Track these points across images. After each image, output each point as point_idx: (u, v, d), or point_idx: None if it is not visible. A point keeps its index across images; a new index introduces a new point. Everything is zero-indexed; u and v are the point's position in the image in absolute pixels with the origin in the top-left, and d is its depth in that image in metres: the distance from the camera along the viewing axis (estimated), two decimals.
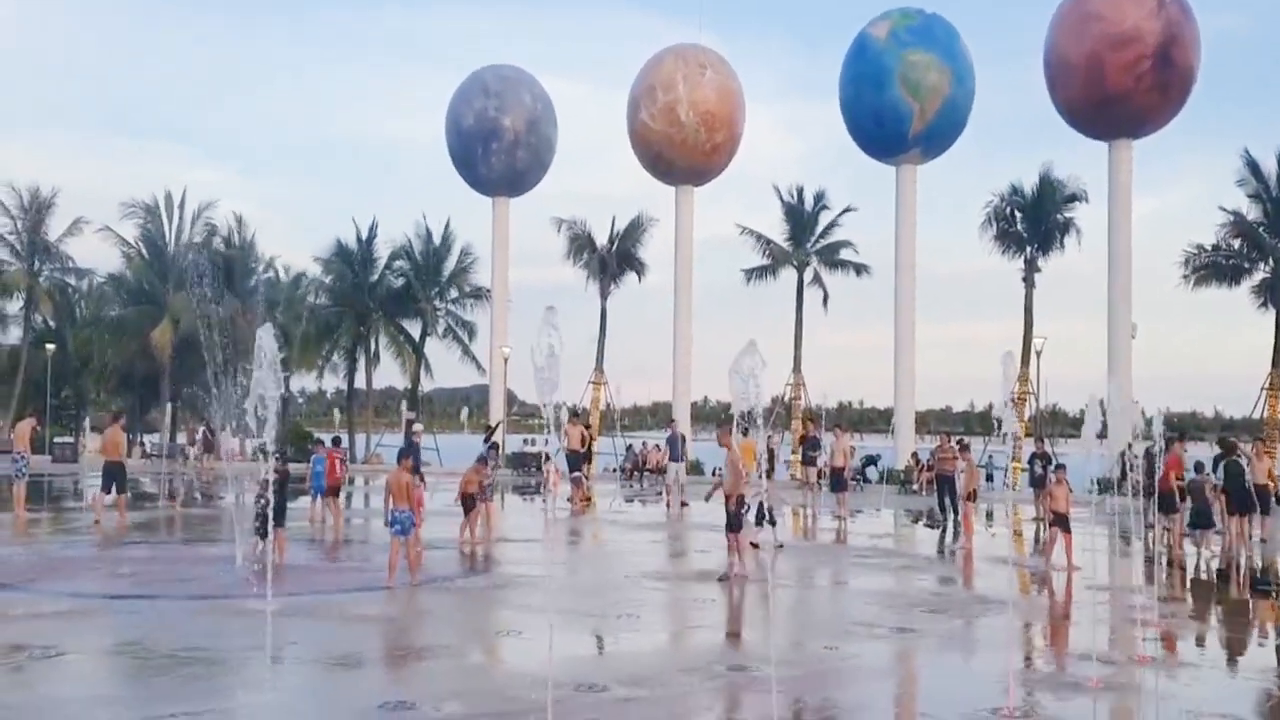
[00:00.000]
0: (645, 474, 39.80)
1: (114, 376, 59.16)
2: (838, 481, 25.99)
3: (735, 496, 15.53)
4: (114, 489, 21.42)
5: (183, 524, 22.06)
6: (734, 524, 15.41)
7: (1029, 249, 45.01)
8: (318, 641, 10.85)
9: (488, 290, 53.69)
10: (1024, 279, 45.29)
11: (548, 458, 29.68)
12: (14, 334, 58.40)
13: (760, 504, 18.03)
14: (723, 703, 8.89)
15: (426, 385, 60.39)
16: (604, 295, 51.73)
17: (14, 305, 57.31)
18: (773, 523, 18.82)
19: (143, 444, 54.36)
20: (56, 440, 51.20)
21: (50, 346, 54.53)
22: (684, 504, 27.22)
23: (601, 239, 51.51)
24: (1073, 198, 44.36)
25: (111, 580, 14.31)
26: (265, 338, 8.99)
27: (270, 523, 11.66)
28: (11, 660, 9.92)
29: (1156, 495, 18.94)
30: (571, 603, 13.59)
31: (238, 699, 8.84)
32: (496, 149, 49.04)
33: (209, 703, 8.50)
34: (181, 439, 49.60)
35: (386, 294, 56.71)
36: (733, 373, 7.51)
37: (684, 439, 31.24)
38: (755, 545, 18.04)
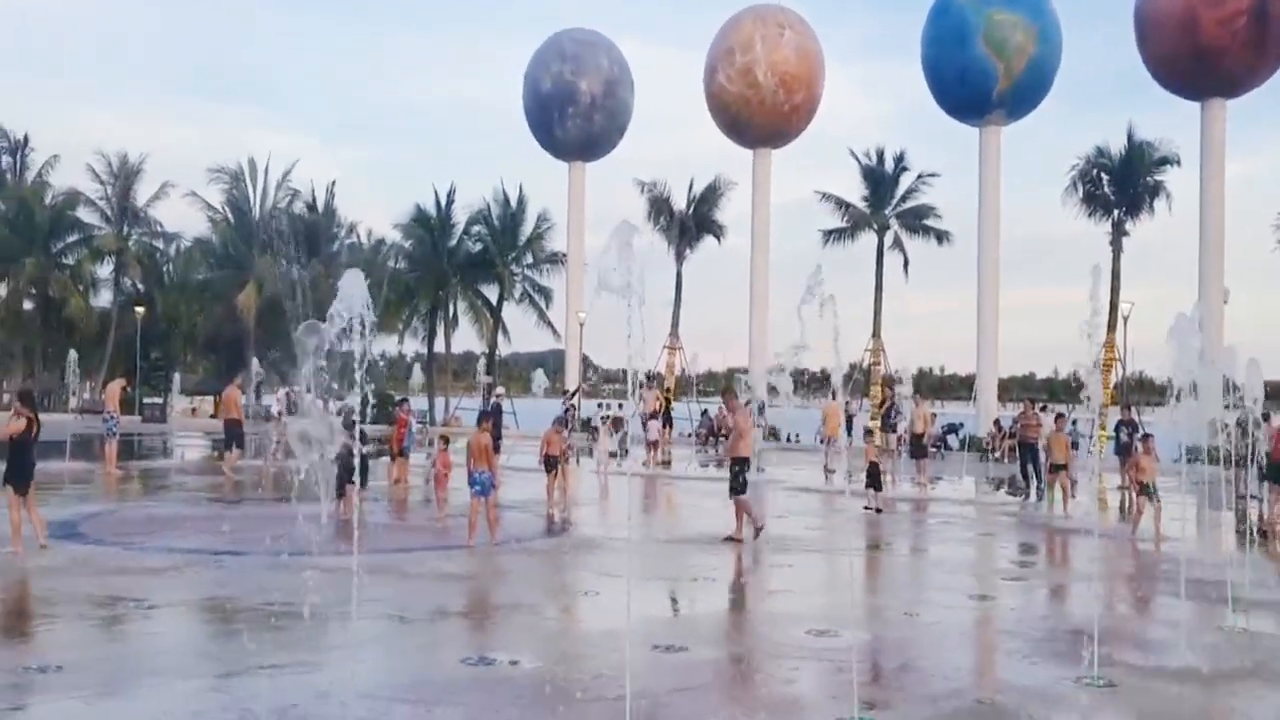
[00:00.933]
0: (721, 439, 39.73)
1: (201, 339, 60.52)
2: (917, 448, 25.74)
3: (738, 460, 15.63)
4: (233, 445, 23.27)
5: (271, 483, 22.48)
6: (737, 487, 15.46)
7: (1116, 212, 44.01)
8: (400, 598, 11.00)
9: (563, 255, 53.86)
10: (1111, 243, 44.34)
11: (608, 419, 29.78)
12: (105, 297, 60.04)
13: (873, 466, 19.83)
14: (801, 667, 8.84)
15: (503, 349, 60.90)
16: (680, 259, 51.64)
17: (105, 269, 58.90)
18: (879, 487, 19.72)
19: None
20: (146, 401, 52.50)
21: (139, 309, 55.91)
22: (760, 469, 27.29)
23: (679, 203, 51.37)
24: (1164, 160, 43.26)
25: (200, 536, 14.63)
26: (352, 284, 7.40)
27: (348, 482, 11.89)
28: (108, 611, 10.20)
29: (1267, 465, 18.28)
30: (648, 565, 13.63)
31: (321, 652, 9.00)
32: (573, 113, 48.95)
33: (294, 655, 8.67)
34: (269, 401, 50.42)
35: (464, 259, 57.16)
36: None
37: (762, 406, 31.44)
38: (869, 508, 19.20)
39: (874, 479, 19.71)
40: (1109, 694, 7.92)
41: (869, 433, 26.22)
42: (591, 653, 9.12)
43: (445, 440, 20.88)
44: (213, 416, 49.24)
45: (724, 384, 35.15)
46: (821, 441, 32.28)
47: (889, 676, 8.57)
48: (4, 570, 11.86)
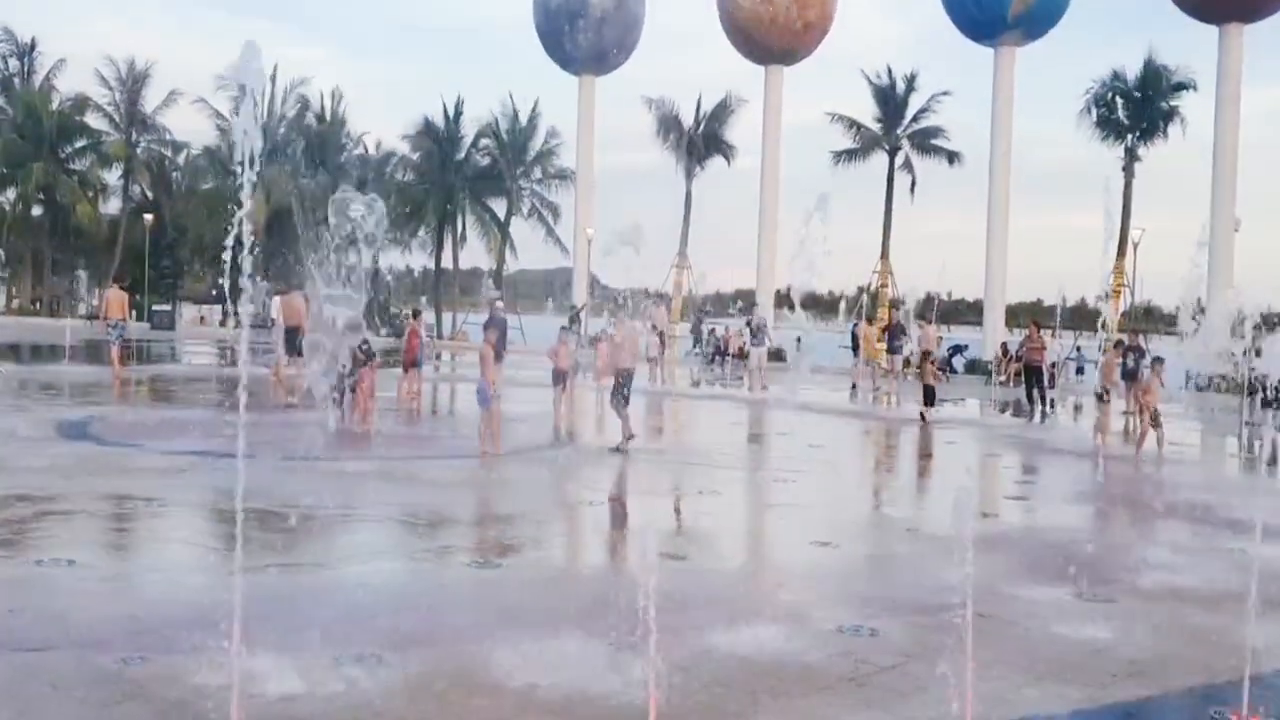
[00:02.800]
0: (726, 358, 39.79)
1: (210, 248, 60.45)
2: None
3: (620, 372, 15.84)
4: (290, 353, 22.70)
5: (279, 390, 22.57)
6: (618, 398, 15.66)
7: (1129, 137, 43.53)
8: (406, 503, 11.12)
9: (572, 172, 53.53)
10: (1123, 168, 43.92)
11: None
12: (114, 205, 59.87)
13: (929, 389, 21.92)
14: (800, 577, 8.96)
15: (511, 266, 60.79)
16: (689, 177, 51.32)
17: (113, 175, 58.67)
18: (930, 403, 21.62)
19: (236, 314, 55.63)
20: (155, 308, 52.66)
21: (148, 217, 55.78)
22: (764, 387, 27.58)
23: (688, 120, 50.90)
24: (1180, 86, 42.68)
25: (207, 440, 14.72)
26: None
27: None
28: (119, 508, 10.34)
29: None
30: (654, 477, 13.76)
31: (329, 552, 9.14)
32: (583, 25, 48.31)
33: (301, 555, 8.80)
34: (273, 311, 50.46)
35: (473, 172, 56.83)
36: None
37: (766, 325, 31.54)
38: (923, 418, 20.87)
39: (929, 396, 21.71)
40: (1107, 608, 8.03)
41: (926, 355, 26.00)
42: (593, 559, 9.25)
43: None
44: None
45: (618, 297, 35.60)
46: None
47: (889, 588, 8.68)
48: (11, 470, 11.97)
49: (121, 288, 27.31)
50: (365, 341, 16.24)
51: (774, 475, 13.99)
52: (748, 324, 31.21)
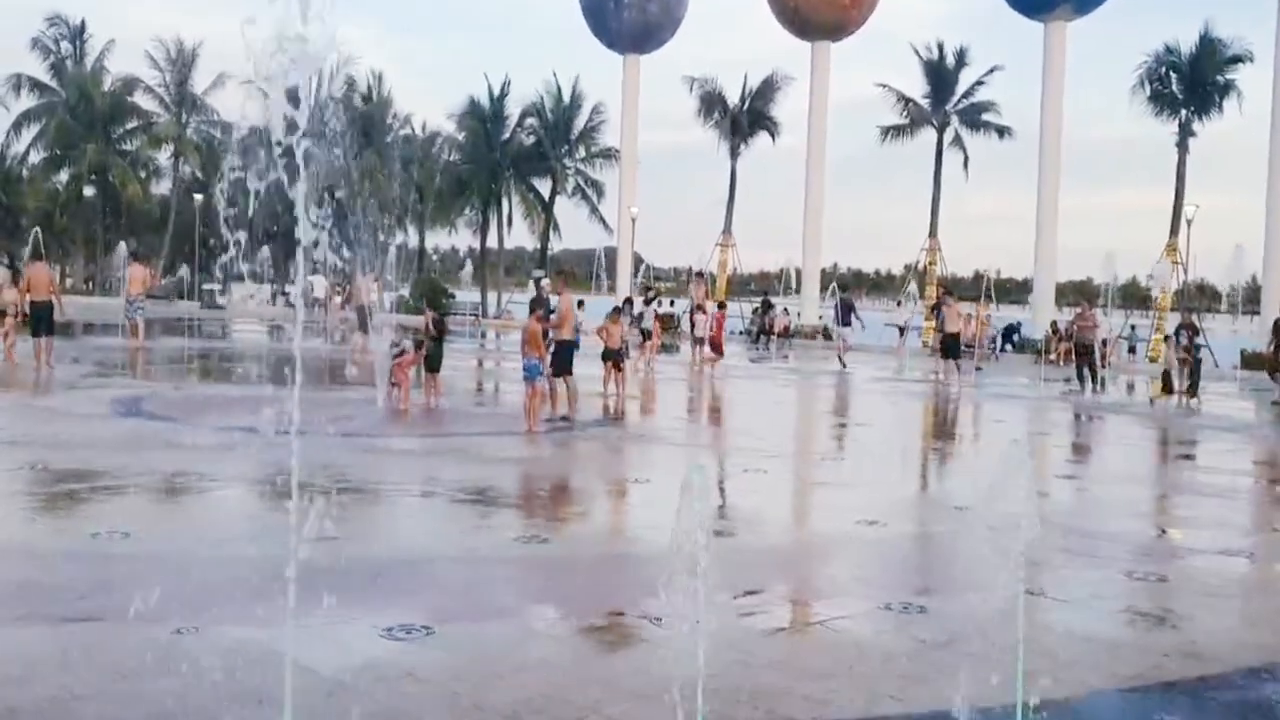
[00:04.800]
0: (772, 337, 39.64)
1: (259, 228, 60.99)
2: (952, 348, 25.26)
3: (562, 343, 15.82)
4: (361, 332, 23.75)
5: (329, 370, 22.79)
6: (561, 368, 15.62)
7: (1184, 112, 42.70)
8: (455, 478, 11.19)
9: (616, 150, 53.43)
10: (1177, 144, 43.09)
11: (618, 311, 30.10)
12: (164, 185, 60.55)
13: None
14: (847, 554, 8.92)
15: (555, 246, 60.81)
16: (734, 156, 51.05)
17: (164, 156, 59.30)
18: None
19: (285, 294, 56.16)
20: (205, 287, 53.28)
21: (198, 197, 56.36)
22: (844, 365, 28.35)
23: (733, 98, 50.63)
24: (1235, 59, 41.77)
25: (258, 416, 14.87)
26: None
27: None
28: (172, 484, 10.47)
29: None
30: (699, 455, 13.74)
31: (376, 526, 9.22)
32: (628, 3, 48.18)
33: (348, 528, 8.87)
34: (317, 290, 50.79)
35: (518, 152, 56.83)
36: None
37: (853, 306, 31.79)
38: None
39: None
40: (1158, 588, 7.93)
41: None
42: (638, 534, 9.25)
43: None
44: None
45: (558, 269, 36.10)
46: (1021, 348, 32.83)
47: (937, 566, 8.63)
48: (66, 444, 12.17)
49: (141, 263, 28.23)
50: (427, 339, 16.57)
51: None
52: (839, 304, 31.25)
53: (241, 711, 4.86)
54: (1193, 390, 22.91)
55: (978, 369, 28.88)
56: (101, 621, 6.10)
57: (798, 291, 52.29)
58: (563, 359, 15.66)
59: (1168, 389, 21.42)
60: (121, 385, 18.64)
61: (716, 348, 28.68)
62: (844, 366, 28.43)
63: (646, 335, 27.77)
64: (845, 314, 31.06)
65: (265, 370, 21.89)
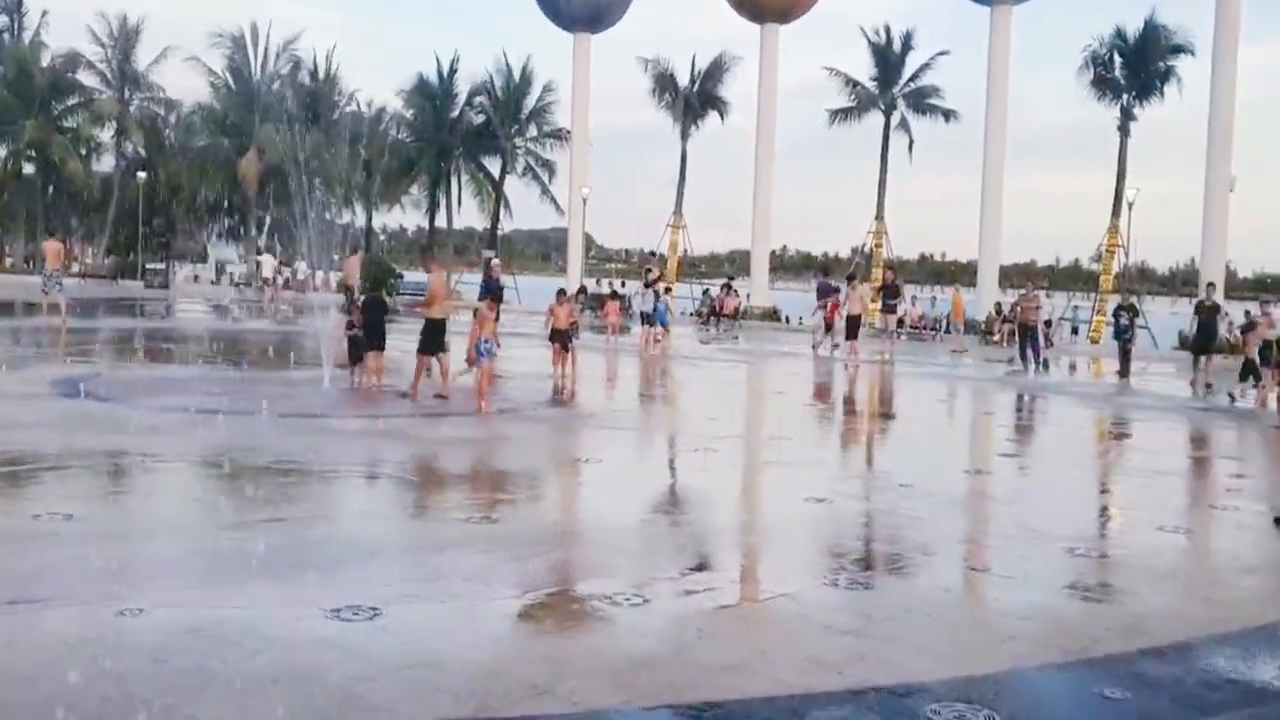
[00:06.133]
0: (720, 319, 39.83)
1: (203, 206, 60.18)
2: (853, 329, 25.94)
3: (431, 321, 15.67)
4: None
5: (272, 349, 22.59)
6: (426, 347, 15.51)
7: (1126, 96, 43.22)
8: (402, 458, 11.17)
9: (567, 131, 53.26)
10: (1119, 128, 43.62)
11: (615, 295, 30.64)
12: (107, 163, 59.54)
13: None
14: (806, 533, 9.00)
15: (506, 226, 60.57)
16: (685, 137, 51.06)
17: (106, 133, 58.27)
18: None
19: (230, 274, 55.53)
20: (149, 267, 52.56)
21: (141, 175, 55.48)
22: (835, 345, 28.22)
23: (684, 79, 50.61)
24: (1178, 48, 42.29)
25: (204, 397, 14.74)
26: None
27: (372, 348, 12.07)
28: (115, 463, 10.35)
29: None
30: (649, 436, 13.80)
31: (324, 506, 9.18)
32: None
33: (296, 509, 8.84)
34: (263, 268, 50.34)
35: (467, 130, 56.51)
36: None
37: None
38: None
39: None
40: (1098, 563, 8.10)
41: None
42: (590, 515, 9.29)
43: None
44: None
45: (426, 246, 36.54)
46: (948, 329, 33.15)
47: (890, 542, 8.75)
48: (6, 424, 11.97)
49: (56, 239, 28.77)
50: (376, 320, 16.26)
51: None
52: (884, 286, 31.25)
53: (187, 694, 4.84)
54: (1124, 372, 23.68)
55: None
56: (45, 603, 6.05)
57: (747, 274, 52.47)
58: (430, 337, 15.60)
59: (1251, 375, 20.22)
60: (32, 365, 18.39)
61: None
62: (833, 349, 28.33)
63: (646, 320, 27.85)
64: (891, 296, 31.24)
65: (197, 351, 21.62)
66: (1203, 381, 21.67)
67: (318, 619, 5.88)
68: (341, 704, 4.80)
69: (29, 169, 57.67)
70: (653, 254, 37.19)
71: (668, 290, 31.21)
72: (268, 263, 44.89)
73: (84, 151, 57.67)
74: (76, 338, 22.26)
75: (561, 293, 20.50)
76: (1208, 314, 22.90)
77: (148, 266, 52.65)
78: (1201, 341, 22.40)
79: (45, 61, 56.54)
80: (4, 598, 6.10)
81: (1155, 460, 13.43)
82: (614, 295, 20.19)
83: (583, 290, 27.36)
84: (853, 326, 26.19)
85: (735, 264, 60.79)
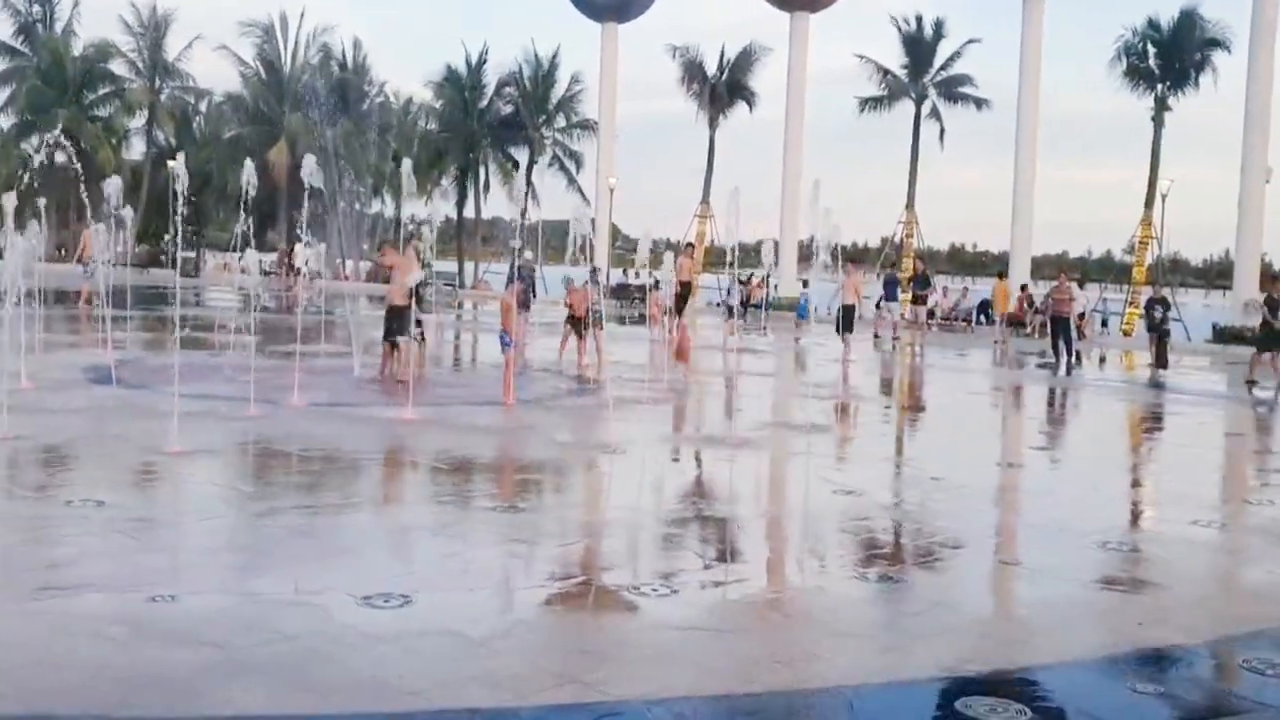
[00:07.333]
0: (750, 308, 39.61)
1: (233, 195, 60.46)
2: (847, 319, 24.64)
3: (394, 308, 15.87)
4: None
5: (300, 338, 22.65)
6: (391, 331, 15.75)
7: (1160, 87, 42.74)
8: (432, 447, 11.17)
9: (594, 122, 53.22)
10: (1153, 118, 43.17)
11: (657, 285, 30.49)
12: (137, 150, 59.94)
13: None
14: (833, 522, 8.97)
15: (533, 215, 60.56)
16: (712, 126, 50.88)
17: (137, 122, 58.65)
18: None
19: (261, 263, 55.77)
20: (180, 255, 52.89)
21: (171, 164, 55.77)
22: (896, 339, 28.55)
23: (712, 69, 50.45)
24: (1214, 41, 41.74)
25: (234, 385, 14.78)
26: None
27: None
28: (146, 454, 10.41)
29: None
30: (677, 425, 13.78)
31: (354, 494, 9.21)
32: None
33: (326, 497, 8.87)
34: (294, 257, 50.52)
35: (495, 120, 56.54)
36: None
37: (901, 282, 32.14)
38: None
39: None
40: (1129, 557, 8.04)
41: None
42: (615, 505, 9.28)
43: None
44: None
45: (382, 237, 36.46)
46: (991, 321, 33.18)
47: (915, 534, 8.70)
48: (36, 410, 12.04)
49: (93, 227, 28.41)
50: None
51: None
52: (914, 276, 31.27)
53: (219, 678, 4.87)
54: (1162, 363, 23.41)
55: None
56: (79, 589, 6.09)
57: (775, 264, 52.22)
58: (392, 323, 15.71)
59: None
60: (65, 351, 18.54)
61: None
62: (894, 342, 28.54)
63: (731, 312, 28.68)
64: (891, 290, 31.32)
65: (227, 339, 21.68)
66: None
67: (349, 606, 5.91)
68: (374, 690, 4.82)
69: (60, 158, 58.11)
70: (690, 245, 37.11)
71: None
72: (299, 252, 45.02)
73: (115, 140, 58.06)
74: (110, 325, 22.43)
75: (570, 282, 20.52)
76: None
77: (178, 255, 53.01)
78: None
79: (77, 51, 56.93)
80: (37, 585, 6.15)
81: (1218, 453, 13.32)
82: (580, 281, 20.05)
83: (594, 273, 27.04)
84: (847, 318, 24.40)
85: (755, 255, 60.49)
